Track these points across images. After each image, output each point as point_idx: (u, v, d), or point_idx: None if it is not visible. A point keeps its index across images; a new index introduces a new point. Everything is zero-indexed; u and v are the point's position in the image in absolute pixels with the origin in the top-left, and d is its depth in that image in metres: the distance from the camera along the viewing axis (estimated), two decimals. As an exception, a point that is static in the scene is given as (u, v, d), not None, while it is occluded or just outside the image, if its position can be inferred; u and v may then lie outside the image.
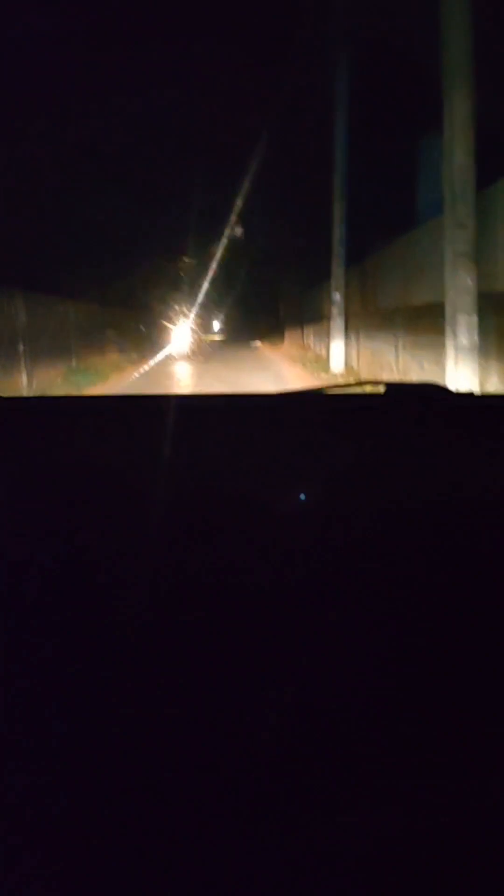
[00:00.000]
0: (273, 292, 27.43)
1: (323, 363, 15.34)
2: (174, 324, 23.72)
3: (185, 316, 30.57)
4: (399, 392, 1.25)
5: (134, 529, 0.78)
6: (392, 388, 1.22)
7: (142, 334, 18.49)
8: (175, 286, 25.78)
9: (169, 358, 17.83)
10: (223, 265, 30.97)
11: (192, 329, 22.34)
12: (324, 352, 16.94)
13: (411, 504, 0.81)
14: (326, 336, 16.68)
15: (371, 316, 11.75)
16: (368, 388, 1.34)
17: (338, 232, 12.36)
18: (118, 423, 1.18)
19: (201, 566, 0.69)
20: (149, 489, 0.88)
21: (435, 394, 1.17)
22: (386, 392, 1.20)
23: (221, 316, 42.85)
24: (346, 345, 12.71)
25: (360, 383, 1.37)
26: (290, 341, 22.45)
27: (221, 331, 43.09)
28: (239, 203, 20.46)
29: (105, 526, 0.79)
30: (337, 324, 12.53)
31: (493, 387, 5.91)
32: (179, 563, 0.70)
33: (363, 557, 0.68)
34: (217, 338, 37.55)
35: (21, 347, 9.75)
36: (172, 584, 0.65)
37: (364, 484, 0.88)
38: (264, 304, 31.97)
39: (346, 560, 0.68)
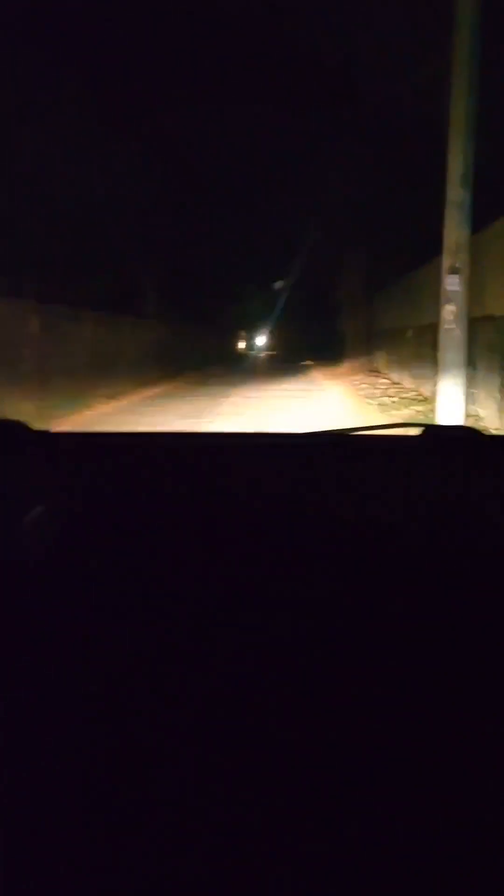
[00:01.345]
0: (332, 297, 21.06)
1: (407, 401, 9.22)
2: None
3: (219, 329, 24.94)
4: (434, 434, 1.24)
5: (152, 564, 0.79)
6: (428, 430, 1.21)
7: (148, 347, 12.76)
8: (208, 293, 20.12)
9: (169, 389, 12.03)
10: (268, 266, 25.35)
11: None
12: (407, 382, 10.76)
13: (446, 550, 0.81)
14: (416, 359, 10.36)
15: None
16: (399, 431, 1.31)
17: (460, 159, 6.25)
18: (133, 461, 1.15)
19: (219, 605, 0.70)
20: (167, 529, 0.89)
21: (470, 437, 1.14)
22: (420, 434, 1.18)
23: (266, 329, 37.08)
24: (469, 378, 6.51)
25: (391, 425, 1.29)
26: (352, 363, 16.31)
27: (265, 347, 37.91)
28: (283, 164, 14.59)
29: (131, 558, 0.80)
30: (452, 337, 6.34)
31: None
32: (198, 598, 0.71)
33: (393, 603, 0.68)
34: (261, 354, 32.52)
35: None
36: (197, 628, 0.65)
37: (395, 525, 0.88)
38: (320, 314, 25.66)
39: (371, 605, 0.68)
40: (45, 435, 1.17)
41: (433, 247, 6.80)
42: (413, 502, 0.96)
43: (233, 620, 0.65)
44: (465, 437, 1.12)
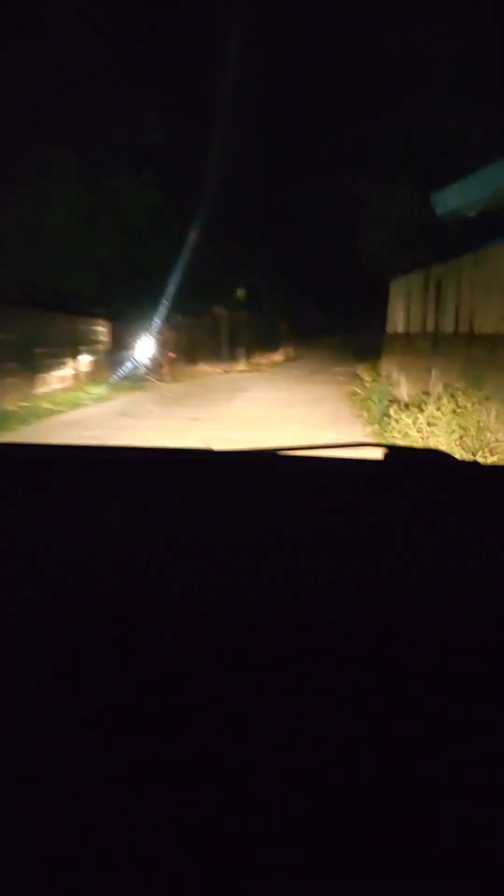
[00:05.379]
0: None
1: None
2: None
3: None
4: (400, 458, 1.13)
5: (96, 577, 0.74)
6: (393, 452, 1.12)
7: None
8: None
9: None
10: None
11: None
12: None
13: (410, 584, 0.74)
14: None
15: None
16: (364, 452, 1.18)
17: None
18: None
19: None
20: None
21: (439, 461, 1.07)
22: (386, 458, 1.09)
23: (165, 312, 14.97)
24: None
25: (355, 444, 1.19)
26: None
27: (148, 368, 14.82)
28: None
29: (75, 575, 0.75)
30: None
31: None
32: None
33: (348, 648, 0.62)
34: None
35: None
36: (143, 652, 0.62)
37: (354, 560, 0.79)
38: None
39: (324, 651, 0.62)
40: None
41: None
42: (375, 547, 0.82)
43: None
44: (435, 464, 1.05)
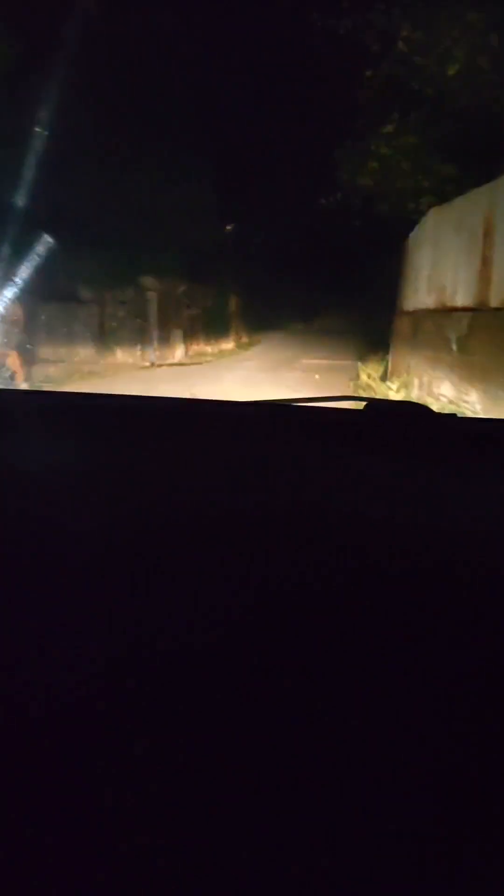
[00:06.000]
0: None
1: None
2: None
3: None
4: (379, 410, 1.22)
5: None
6: (373, 405, 1.19)
7: None
8: None
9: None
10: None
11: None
12: None
13: (384, 525, 0.79)
14: None
15: None
16: (346, 404, 1.27)
17: None
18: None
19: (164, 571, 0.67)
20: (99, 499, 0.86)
21: (417, 413, 1.13)
22: (365, 409, 1.16)
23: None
24: None
25: (338, 398, 1.26)
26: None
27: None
28: None
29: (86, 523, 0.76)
30: None
31: None
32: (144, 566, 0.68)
33: (330, 582, 0.64)
34: None
35: None
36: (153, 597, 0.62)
37: (333, 503, 0.85)
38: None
39: (311, 589, 0.64)
40: None
41: None
42: (354, 484, 0.90)
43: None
44: (411, 414, 1.10)
